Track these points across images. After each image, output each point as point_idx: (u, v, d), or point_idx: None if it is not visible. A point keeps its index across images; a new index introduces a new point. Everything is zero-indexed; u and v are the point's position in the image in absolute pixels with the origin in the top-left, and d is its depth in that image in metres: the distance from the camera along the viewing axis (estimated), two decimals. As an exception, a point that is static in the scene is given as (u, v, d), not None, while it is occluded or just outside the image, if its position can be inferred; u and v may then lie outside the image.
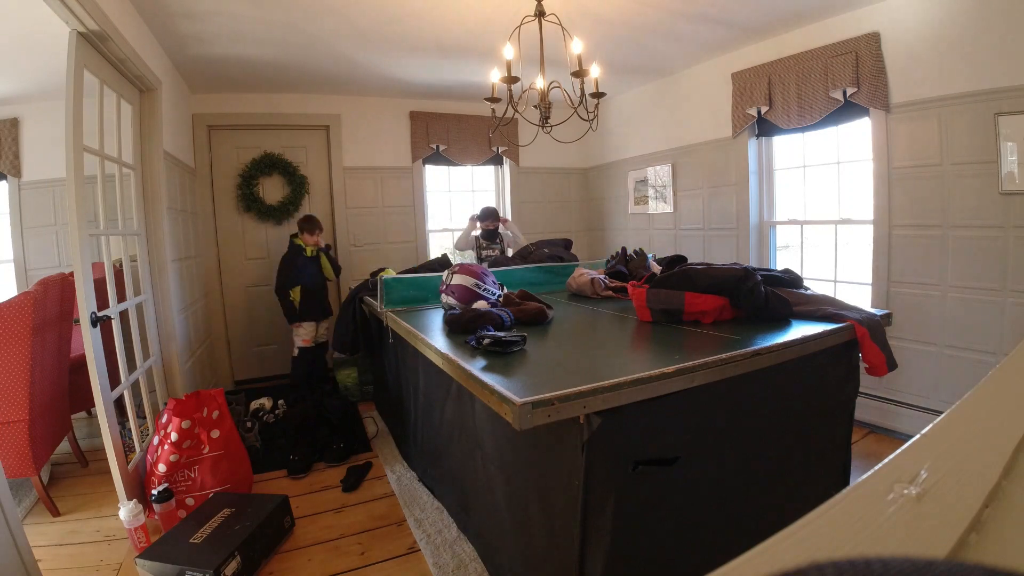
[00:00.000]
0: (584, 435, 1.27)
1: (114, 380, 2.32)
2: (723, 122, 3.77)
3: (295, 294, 3.71)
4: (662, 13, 2.96)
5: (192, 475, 2.35)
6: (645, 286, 2.09)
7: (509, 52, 2.40)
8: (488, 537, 1.90)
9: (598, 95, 2.45)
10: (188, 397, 2.46)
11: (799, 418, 1.81)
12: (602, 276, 2.90)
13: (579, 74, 2.37)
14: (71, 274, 2.43)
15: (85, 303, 2.08)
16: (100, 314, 2.16)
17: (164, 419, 2.42)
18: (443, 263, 3.48)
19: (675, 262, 2.55)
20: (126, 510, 2.19)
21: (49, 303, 2.46)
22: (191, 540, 1.97)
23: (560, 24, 2.44)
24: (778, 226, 3.73)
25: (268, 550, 2.09)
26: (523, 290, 2.62)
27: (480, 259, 4.10)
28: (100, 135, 2.35)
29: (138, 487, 2.39)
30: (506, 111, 2.58)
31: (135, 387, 2.61)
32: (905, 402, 2.87)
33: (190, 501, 2.32)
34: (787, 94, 3.28)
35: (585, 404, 1.26)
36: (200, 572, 1.81)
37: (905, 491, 0.35)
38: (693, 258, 4.14)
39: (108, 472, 2.25)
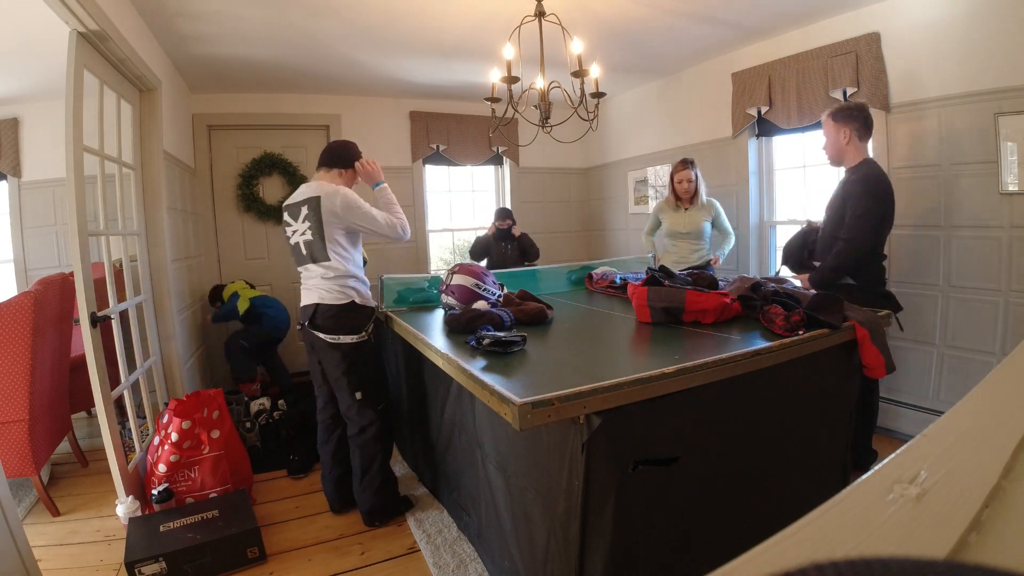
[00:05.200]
0: (584, 435, 1.27)
1: (114, 380, 2.32)
2: (723, 122, 3.77)
3: None
4: (662, 13, 2.96)
5: (192, 475, 2.36)
6: (645, 286, 2.10)
7: (509, 52, 2.40)
8: (488, 537, 1.90)
9: (598, 95, 2.45)
10: (188, 397, 2.46)
11: (799, 418, 1.81)
12: (617, 275, 2.97)
13: (579, 74, 2.37)
14: (71, 274, 2.43)
15: (85, 303, 2.08)
16: (100, 314, 2.16)
17: (165, 419, 2.42)
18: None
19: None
20: (124, 507, 2.19)
21: (49, 303, 2.46)
22: (161, 527, 2.04)
23: (560, 24, 2.44)
24: (778, 226, 3.73)
25: (212, 571, 1.98)
26: (523, 290, 2.62)
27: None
28: (100, 135, 2.35)
29: (138, 487, 2.40)
30: (506, 111, 2.58)
31: (135, 387, 2.61)
32: (905, 402, 2.87)
33: (190, 501, 2.32)
34: (787, 94, 3.28)
35: (585, 404, 1.26)
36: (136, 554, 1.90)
37: (905, 491, 0.35)
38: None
39: (108, 472, 2.26)
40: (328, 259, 2.16)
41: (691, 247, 3.43)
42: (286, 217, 2.27)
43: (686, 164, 3.35)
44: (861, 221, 2.25)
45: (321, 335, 2.19)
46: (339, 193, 2.14)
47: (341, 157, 2.31)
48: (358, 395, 2.23)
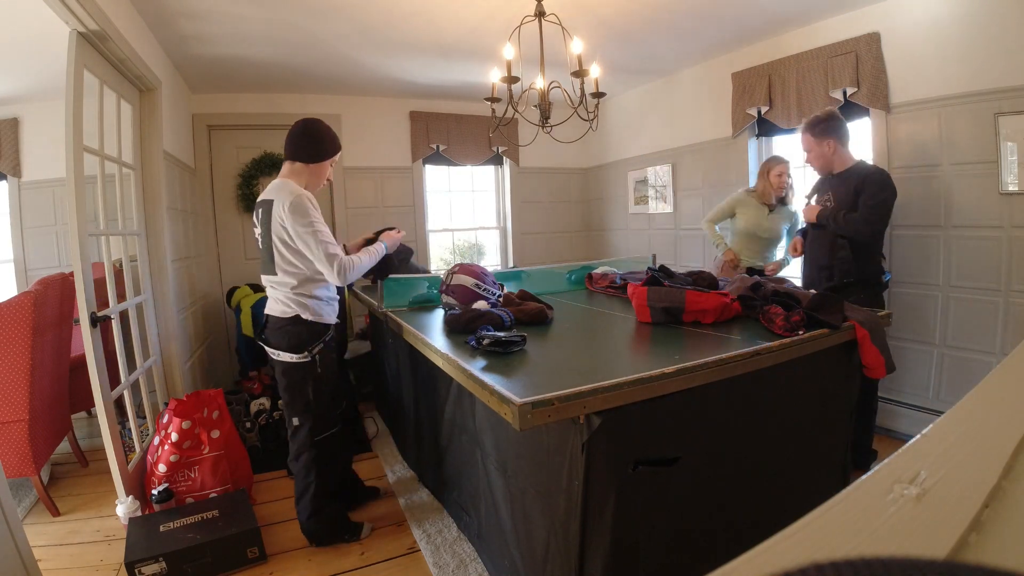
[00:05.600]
0: (584, 435, 1.27)
1: (114, 380, 2.32)
2: (723, 122, 3.77)
3: None
4: (662, 13, 2.96)
5: (192, 475, 2.36)
6: (645, 286, 2.10)
7: (509, 52, 2.40)
8: (488, 537, 1.90)
9: (598, 95, 2.45)
10: (188, 397, 2.46)
11: (799, 418, 1.81)
12: (618, 275, 2.96)
13: (579, 74, 2.37)
14: (71, 274, 2.43)
15: (85, 303, 2.08)
16: (100, 314, 2.16)
17: (165, 419, 2.42)
18: None
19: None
20: (124, 506, 2.20)
21: (49, 303, 2.46)
22: (161, 527, 2.05)
23: (560, 24, 2.44)
24: (778, 226, 3.72)
25: (212, 571, 1.98)
26: (523, 290, 2.62)
27: None
28: (100, 135, 2.35)
29: (138, 487, 2.40)
30: (506, 111, 2.58)
31: (135, 387, 2.61)
32: (905, 402, 2.87)
33: (190, 501, 2.32)
34: (787, 94, 3.28)
35: (585, 404, 1.26)
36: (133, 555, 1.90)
37: (905, 491, 0.35)
38: (692, 259, 4.15)
39: (108, 472, 2.26)
40: (274, 272, 1.97)
41: (765, 252, 3.14)
42: (254, 217, 2.08)
43: (781, 160, 3.05)
44: (878, 209, 2.34)
45: (267, 348, 2.04)
46: (291, 199, 1.88)
47: (304, 148, 2.01)
48: (295, 421, 2.05)
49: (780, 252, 3.18)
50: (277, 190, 1.97)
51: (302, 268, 1.97)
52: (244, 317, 3.57)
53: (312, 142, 2.05)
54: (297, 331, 1.98)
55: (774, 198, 3.06)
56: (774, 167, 3.05)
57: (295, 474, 2.15)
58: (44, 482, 2.48)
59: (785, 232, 3.13)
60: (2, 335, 2.24)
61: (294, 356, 1.99)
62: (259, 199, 2.04)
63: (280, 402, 2.67)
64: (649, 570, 1.42)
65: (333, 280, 1.97)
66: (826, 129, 2.43)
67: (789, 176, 3.05)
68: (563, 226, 5.47)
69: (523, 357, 1.68)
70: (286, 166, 2.07)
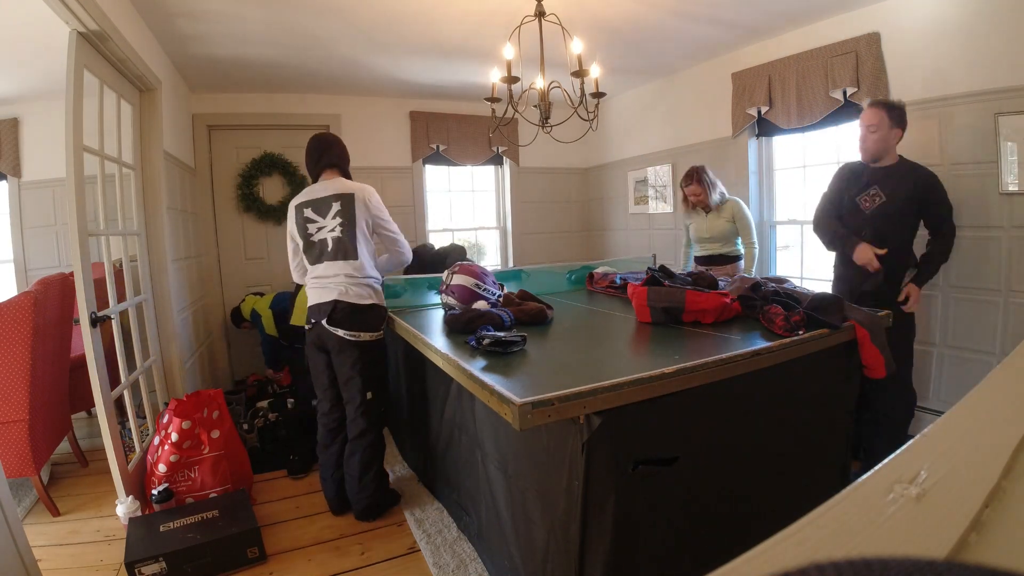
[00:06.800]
0: (584, 435, 1.27)
1: (114, 380, 2.32)
2: (723, 122, 3.77)
3: None
4: (662, 13, 2.96)
5: (192, 475, 2.36)
6: (645, 286, 2.10)
7: (509, 52, 2.40)
8: (488, 537, 1.90)
9: (598, 95, 2.45)
10: (188, 397, 2.46)
11: (799, 418, 1.81)
12: (617, 275, 2.97)
13: (579, 74, 2.37)
14: (71, 274, 2.43)
15: (85, 303, 2.08)
16: (100, 314, 2.16)
17: (165, 419, 2.42)
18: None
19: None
20: (124, 506, 2.20)
21: (49, 303, 2.46)
22: (161, 527, 2.05)
23: (560, 24, 2.44)
24: (778, 226, 3.73)
25: (213, 570, 1.98)
26: (523, 290, 2.62)
27: None
28: (100, 135, 2.35)
29: (138, 487, 2.40)
30: (506, 111, 2.58)
31: (135, 387, 2.61)
32: (905, 402, 2.87)
33: (190, 501, 2.32)
34: (787, 94, 3.28)
35: (585, 404, 1.26)
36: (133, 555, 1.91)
37: (905, 491, 0.35)
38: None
39: (108, 472, 2.26)
40: (356, 257, 2.22)
41: (721, 248, 3.32)
42: (309, 212, 2.26)
43: (689, 179, 3.23)
44: (951, 213, 2.40)
45: (340, 332, 2.21)
46: (372, 192, 2.28)
47: (345, 163, 2.39)
48: (368, 395, 2.26)
49: (738, 248, 3.33)
50: (349, 186, 2.27)
51: (373, 255, 2.31)
52: (267, 320, 3.65)
53: (347, 156, 2.41)
54: (375, 314, 2.28)
55: (698, 207, 3.33)
56: (685, 187, 3.32)
57: (361, 449, 2.28)
58: (44, 482, 2.48)
59: (733, 228, 3.28)
60: (2, 335, 2.24)
61: (373, 335, 2.28)
62: (322, 195, 2.26)
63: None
64: (649, 570, 1.42)
65: (409, 255, 2.44)
66: (902, 117, 2.35)
67: (698, 194, 3.24)
68: (563, 226, 5.47)
69: (523, 357, 1.68)
70: (331, 172, 2.34)
